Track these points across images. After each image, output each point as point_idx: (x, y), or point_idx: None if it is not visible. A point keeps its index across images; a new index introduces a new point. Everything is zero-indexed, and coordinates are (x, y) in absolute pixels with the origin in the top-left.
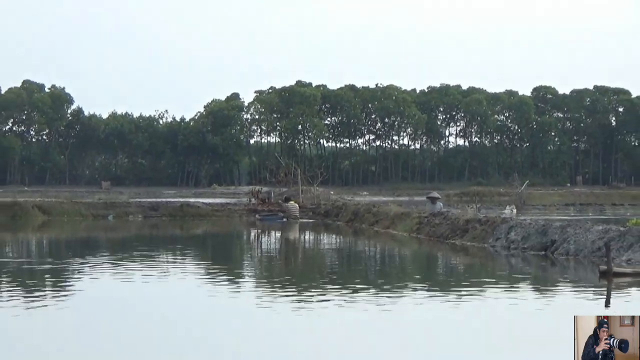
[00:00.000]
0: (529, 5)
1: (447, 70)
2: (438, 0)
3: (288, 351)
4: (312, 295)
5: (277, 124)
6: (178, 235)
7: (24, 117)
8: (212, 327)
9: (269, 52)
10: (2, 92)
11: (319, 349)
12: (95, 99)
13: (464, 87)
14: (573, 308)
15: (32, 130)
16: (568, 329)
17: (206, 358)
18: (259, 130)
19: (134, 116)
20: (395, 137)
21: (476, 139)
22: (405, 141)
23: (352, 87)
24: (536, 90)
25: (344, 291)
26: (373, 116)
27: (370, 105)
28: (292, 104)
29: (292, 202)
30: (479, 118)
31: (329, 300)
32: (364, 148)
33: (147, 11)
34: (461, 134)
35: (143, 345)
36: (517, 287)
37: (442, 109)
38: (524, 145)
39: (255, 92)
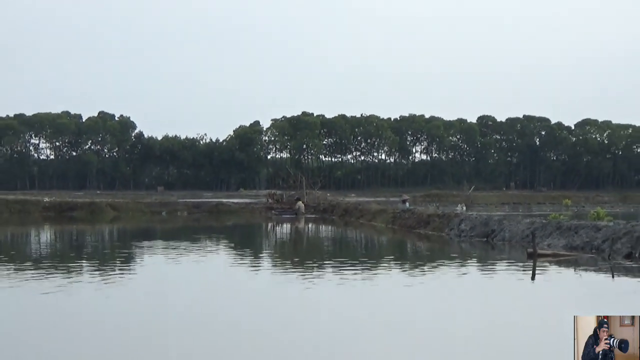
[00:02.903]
0: (476, 55)
1: (414, 103)
2: (408, 51)
3: (294, 315)
4: (313, 269)
5: (288, 144)
6: (214, 226)
7: (99, 139)
8: (236, 294)
9: (282, 90)
10: (83, 120)
11: (318, 312)
12: (153, 125)
13: (427, 116)
14: (511, 278)
15: (105, 148)
16: (503, 289)
17: (228, 315)
18: (274, 149)
19: (181, 138)
20: (375, 154)
21: (435, 155)
22: (383, 157)
23: (343, 116)
24: (480, 118)
25: (339, 266)
26: (359, 138)
27: (356, 129)
28: (298, 129)
29: (299, 202)
30: (437, 139)
31: (326, 272)
32: (352, 162)
33: (189, 59)
34: (424, 151)
35: (185, 301)
36: (466, 264)
37: (410, 133)
38: (471, 160)
39: (271, 120)
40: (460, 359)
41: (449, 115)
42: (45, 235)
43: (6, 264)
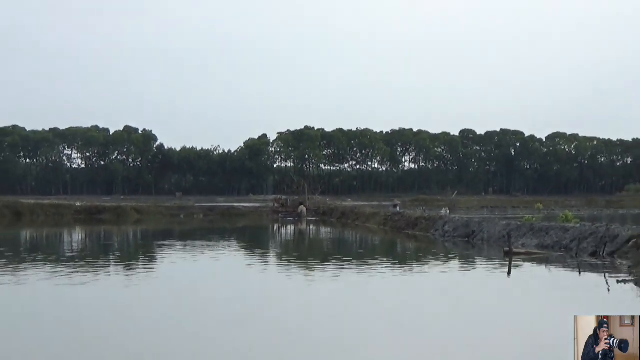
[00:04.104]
0: (459, 75)
1: (404, 119)
2: (398, 72)
3: (297, 303)
4: (315, 264)
5: (292, 154)
6: (227, 227)
7: (125, 150)
8: (247, 285)
9: (286, 107)
10: (111, 133)
11: (320, 300)
12: (172, 137)
13: (415, 129)
14: (489, 274)
15: (130, 158)
16: (483, 283)
17: (241, 302)
18: (279, 159)
19: (197, 149)
20: (369, 163)
21: (423, 164)
22: (376, 166)
23: (341, 130)
24: (462, 131)
25: (337, 262)
26: (355, 149)
27: (352, 141)
28: (301, 141)
29: (302, 206)
30: (424, 150)
31: (326, 267)
32: (349, 170)
33: (205, 81)
34: (413, 161)
35: (204, 289)
36: (450, 261)
37: (400, 144)
38: (454, 168)
39: (277, 133)
40: (455, 352)
41: (434, 129)
42: (78, 235)
43: (52, 259)
